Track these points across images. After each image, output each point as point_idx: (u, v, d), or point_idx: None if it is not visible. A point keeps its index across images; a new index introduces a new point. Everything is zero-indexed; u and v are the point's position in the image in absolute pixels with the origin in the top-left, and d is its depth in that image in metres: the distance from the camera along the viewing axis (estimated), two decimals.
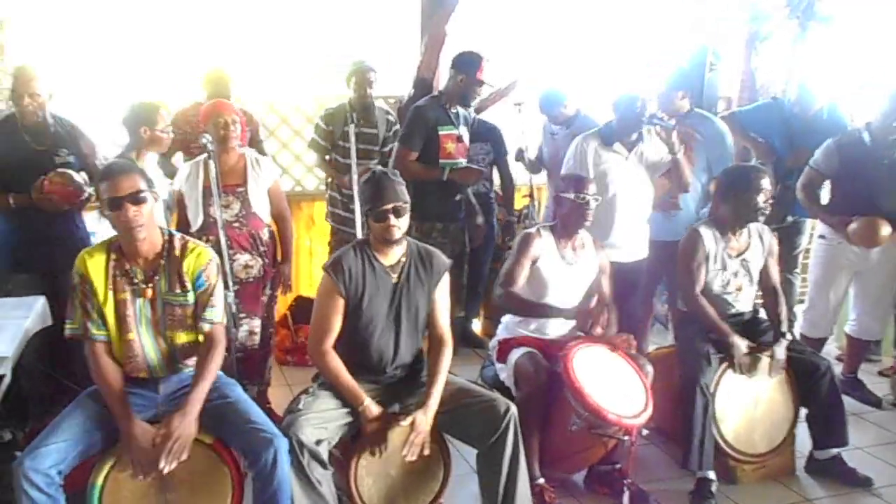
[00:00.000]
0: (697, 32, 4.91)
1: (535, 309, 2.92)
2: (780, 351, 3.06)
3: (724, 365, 3.03)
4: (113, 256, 2.31)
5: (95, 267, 2.29)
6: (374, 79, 3.89)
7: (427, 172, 3.64)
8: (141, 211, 2.21)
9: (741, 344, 3.02)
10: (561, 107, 4.14)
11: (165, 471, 2.19)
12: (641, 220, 3.52)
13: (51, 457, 2.09)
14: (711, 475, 2.94)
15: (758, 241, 3.23)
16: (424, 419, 2.44)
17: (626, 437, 2.69)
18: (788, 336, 3.14)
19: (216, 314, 2.39)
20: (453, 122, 3.70)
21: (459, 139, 3.72)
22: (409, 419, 2.42)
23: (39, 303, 2.84)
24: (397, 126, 4.02)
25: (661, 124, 3.31)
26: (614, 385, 2.74)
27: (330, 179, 4.12)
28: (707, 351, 3.01)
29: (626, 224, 3.43)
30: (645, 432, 3.17)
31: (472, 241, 4.00)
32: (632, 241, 3.47)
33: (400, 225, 2.48)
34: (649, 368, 2.92)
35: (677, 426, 3.01)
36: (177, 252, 2.35)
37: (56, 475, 2.10)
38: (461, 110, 3.77)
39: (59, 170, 3.04)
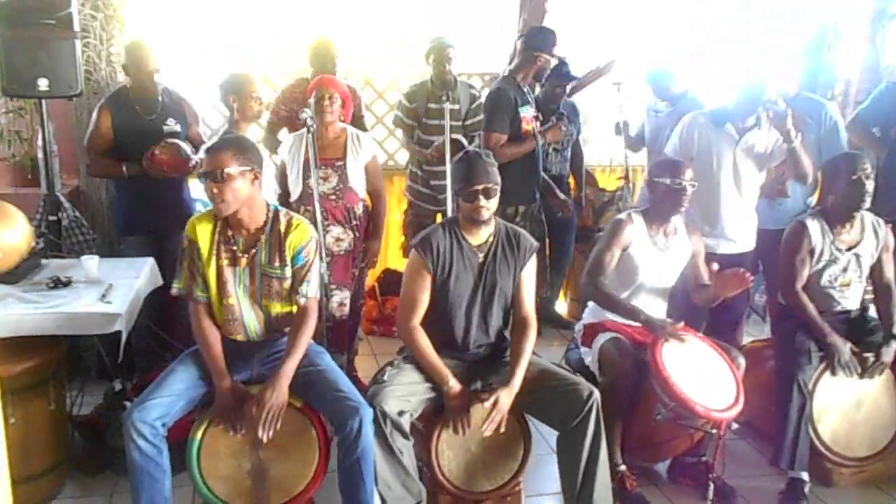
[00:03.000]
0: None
1: (621, 308, 2.81)
2: (889, 353, 2.85)
3: (826, 363, 2.86)
4: (220, 224, 2.41)
5: (203, 233, 2.40)
6: (453, 55, 3.83)
7: (520, 148, 3.58)
8: (222, 188, 2.27)
9: (842, 345, 2.83)
10: (670, 84, 3.97)
11: (264, 439, 2.28)
12: (749, 208, 3.31)
13: (156, 410, 2.23)
14: (804, 476, 2.80)
15: (871, 235, 2.99)
16: (507, 398, 2.43)
17: (713, 430, 2.60)
18: None
19: (311, 289, 2.45)
20: (529, 101, 3.64)
21: (536, 118, 3.66)
22: (491, 398, 2.42)
23: (149, 264, 3.02)
24: (481, 100, 3.94)
25: (773, 109, 3.11)
26: (704, 376, 2.63)
27: (412, 155, 4.13)
28: (807, 347, 2.84)
29: (732, 212, 3.25)
30: (734, 426, 3.06)
31: (562, 214, 3.94)
32: (739, 232, 3.28)
33: (489, 206, 2.46)
34: (742, 361, 2.78)
35: (770, 423, 2.87)
36: (281, 227, 2.42)
37: (161, 427, 2.23)
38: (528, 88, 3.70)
39: (168, 140, 3.18)
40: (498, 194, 2.50)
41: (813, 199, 3.30)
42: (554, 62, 3.69)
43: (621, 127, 4.19)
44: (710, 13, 5.04)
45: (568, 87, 3.90)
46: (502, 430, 2.46)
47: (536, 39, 3.60)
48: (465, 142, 3.72)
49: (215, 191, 2.29)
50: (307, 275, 2.44)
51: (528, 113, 3.62)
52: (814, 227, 2.95)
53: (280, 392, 2.31)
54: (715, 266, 2.76)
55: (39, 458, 2.62)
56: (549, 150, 3.96)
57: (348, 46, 3.93)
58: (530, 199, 3.78)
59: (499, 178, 2.50)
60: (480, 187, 2.43)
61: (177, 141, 3.20)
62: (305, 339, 2.41)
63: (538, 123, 3.69)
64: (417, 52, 4.12)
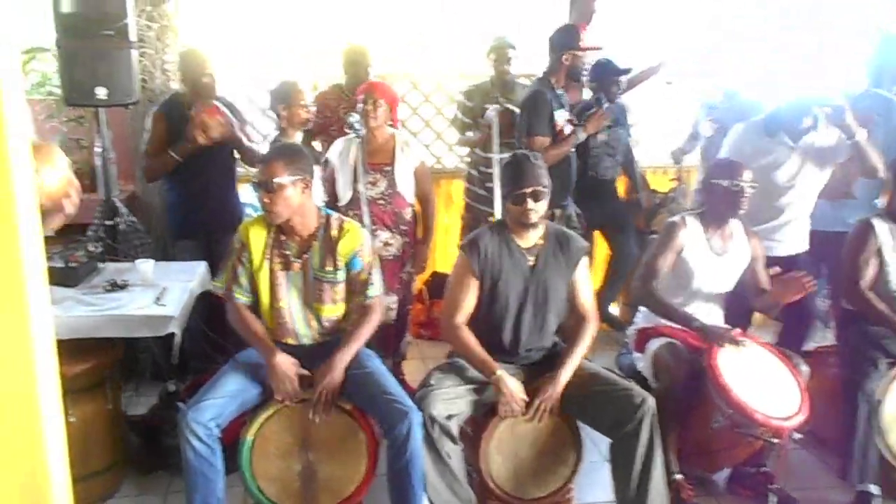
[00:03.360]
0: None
1: (675, 315, 2.72)
2: None
3: (895, 371, 2.72)
4: (273, 229, 2.43)
5: (256, 237, 2.43)
6: (513, 56, 3.76)
7: (563, 148, 3.47)
8: (272, 199, 2.29)
9: None
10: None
11: (316, 420, 2.31)
12: (805, 214, 3.18)
13: (210, 410, 2.25)
14: (874, 489, 2.64)
15: None
16: (550, 386, 2.39)
17: (774, 440, 2.48)
18: None
19: (375, 289, 2.49)
20: (564, 105, 3.56)
21: (569, 121, 3.56)
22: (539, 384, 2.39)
23: (202, 267, 3.07)
24: None
25: (831, 105, 2.96)
26: (764, 383, 2.52)
27: (470, 157, 4.08)
28: (874, 354, 2.70)
29: (789, 221, 3.13)
30: (797, 436, 2.92)
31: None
32: (793, 234, 3.16)
33: (537, 209, 2.42)
34: (805, 368, 2.66)
35: (834, 432, 2.74)
36: (333, 232, 2.43)
37: (214, 428, 2.25)
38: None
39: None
40: (547, 197, 2.45)
41: (880, 202, 3.15)
42: (586, 57, 3.55)
43: (679, 153, 4.09)
44: (727, 11, 4.86)
45: (624, 81, 3.73)
46: (555, 416, 2.41)
47: (560, 38, 3.49)
48: (517, 111, 3.63)
49: (267, 200, 2.31)
50: (370, 277, 2.46)
51: (561, 117, 3.53)
52: (881, 226, 2.81)
53: (335, 375, 2.33)
54: (775, 269, 2.65)
55: (97, 456, 2.67)
56: (600, 153, 3.86)
57: (391, 49, 3.90)
58: (560, 203, 3.67)
59: (548, 181, 2.45)
60: (529, 190, 2.39)
61: (214, 101, 3.20)
62: (366, 332, 2.45)
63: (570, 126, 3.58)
64: (436, 53, 4.04)
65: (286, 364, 2.36)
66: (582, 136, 3.51)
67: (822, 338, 3.70)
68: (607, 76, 3.74)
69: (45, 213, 1.65)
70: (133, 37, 3.04)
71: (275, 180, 2.29)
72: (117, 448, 2.78)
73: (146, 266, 2.83)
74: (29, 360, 0.98)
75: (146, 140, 3.27)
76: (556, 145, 3.49)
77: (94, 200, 3.32)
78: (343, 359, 2.37)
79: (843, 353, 2.85)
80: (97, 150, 3.25)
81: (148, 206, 3.69)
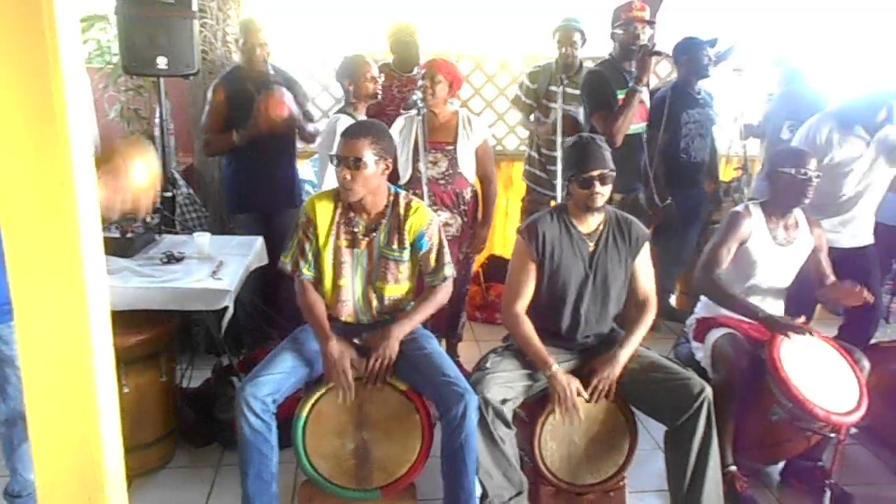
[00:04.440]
0: None
1: (737, 305, 2.58)
2: None
3: None
4: (340, 205, 2.33)
5: (323, 212, 2.33)
6: (579, 39, 3.57)
7: (626, 108, 3.20)
8: (354, 176, 2.19)
9: None
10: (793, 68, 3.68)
11: (376, 414, 2.23)
12: (873, 208, 3.03)
13: (267, 386, 2.17)
14: None
15: None
16: (609, 366, 2.30)
17: (832, 434, 2.37)
18: None
19: (449, 270, 2.39)
20: (628, 85, 3.36)
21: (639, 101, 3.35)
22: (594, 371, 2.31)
23: (258, 242, 2.97)
24: None
25: None
26: (824, 377, 2.40)
27: (530, 139, 3.91)
28: None
29: (857, 216, 2.99)
30: (854, 431, 2.80)
31: (656, 215, 3.62)
32: (857, 228, 3.02)
33: (604, 192, 2.30)
34: (865, 363, 2.53)
35: (892, 429, 2.62)
36: (401, 210, 2.34)
37: (271, 403, 2.18)
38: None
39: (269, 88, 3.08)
40: (612, 180, 2.32)
41: None
42: (641, 31, 3.31)
43: (751, 128, 3.87)
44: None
45: (712, 53, 3.48)
46: (611, 399, 2.33)
47: (613, 14, 3.32)
48: (581, 117, 3.47)
49: (348, 177, 2.21)
50: (441, 257, 2.37)
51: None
52: None
53: (390, 344, 2.25)
54: (831, 279, 2.51)
55: (151, 427, 2.62)
56: (692, 132, 3.64)
57: (457, 29, 3.74)
58: (629, 188, 3.53)
59: (612, 164, 2.32)
60: (596, 173, 2.28)
61: (278, 88, 3.11)
62: (429, 309, 2.37)
63: (641, 106, 3.37)
64: (538, 33, 3.84)
65: (340, 353, 2.26)
66: (640, 88, 3.21)
67: (884, 333, 3.55)
68: (695, 49, 3.53)
69: (124, 206, 1.57)
70: (194, 6, 2.93)
71: (361, 158, 2.19)
72: (170, 420, 2.72)
73: (203, 239, 2.75)
74: (84, 329, 0.96)
75: (206, 112, 3.18)
76: (618, 112, 3.25)
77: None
78: (401, 330, 2.29)
79: None
80: (156, 120, 3.16)
81: (206, 178, 3.60)
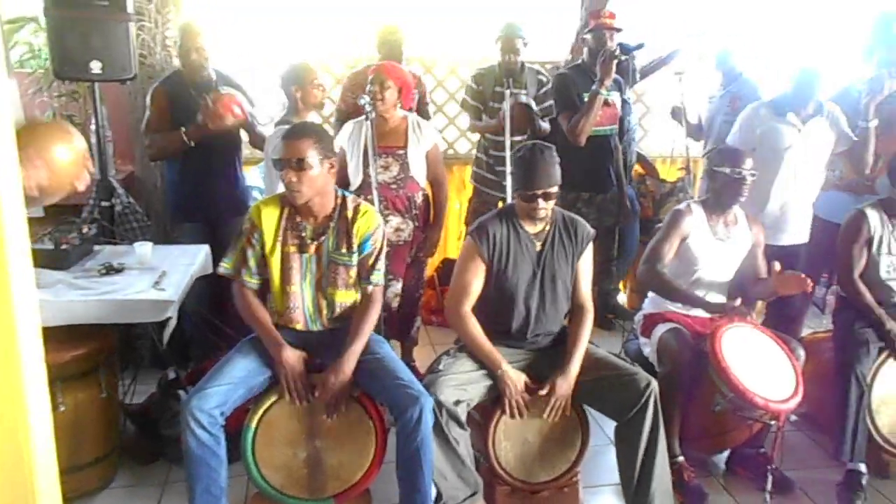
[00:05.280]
0: None
1: (678, 295, 2.63)
2: None
3: (885, 354, 2.65)
4: (286, 210, 2.24)
5: (269, 217, 2.23)
6: (521, 45, 3.54)
7: (589, 114, 3.26)
8: (300, 177, 2.12)
9: None
10: (732, 58, 3.74)
11: (329, 421, 2.17)
12: (809, 198, 3.09)
13: (214, 398, 2.06)
14: (862, 468, 2.59)
15: None
16: (564, 383, 2.28)
17: (772, 422, 2.40)
18: None
19: (379, 276, 2.31)
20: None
21: (606, 103, 3.38)
22: (546, 387, 2.27)
23: (203, 251, 2.83)
24: (549, 86, 3.66)
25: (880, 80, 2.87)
26: (763, 367, 2.43)
27: (479, 141, 3.87)
28: (866, 338, 2.63)
29: (794, 202, 3.04)
30: (793, 418, 2.86)
31: (624, 215, 3.68)
32: (795, 223, 3.07)
33: (547, 207, 2.30)
34: (801, 352, 2.58)
35: (829, 414, 2.66)
36: (349, 213, 2.26)
37: (219, 416, 2.06)
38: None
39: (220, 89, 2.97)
40: (556, 196, 2.32)
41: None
42: (609, 36, 3.37)
43: (679, 112, 3.87)
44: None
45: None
46: (568, 413, 2.32)
47: (584, 23, 3.37)
48: (533, 105, 3.44)
49: (294, 179, 2.12)
50: (376, 262, 2.29)
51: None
52: (873, 216, 2.73)
53: (344, 375, 2.17)
54: (776, 265, 2.56)
55: (90, 446, 2.45)
56: (631, 136, 3.68)
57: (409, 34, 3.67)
58: (599, 189, 3.55)
59: (558, 178, 2.31)
60: (540, 192, 2.27)
61: (229, 89, 2.99)
62: (370, 324, 2.27)
63: (608, 108, 3.41)
64: (483, 38, 3.82)
65: (294, 360, 2.18)
66: (602, 91, 3.26)
67: (819, 324, 3.65)
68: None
69: (48, 191, 1.45)
70: (130, 9, 2.77)
71: (305, 158, 2.11)
72: (112, 438, 2.55)
73: (144, 249, 2.60)
74: (12, 346, 0.88)
75: (147, 117, 3.02)
76: (580, 114, 3.30)
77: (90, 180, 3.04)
78: (352, 358, 2.20)
79: (837, 337, 2.78)
80: (92, 127, 2.97)
81: (148, 187, 3.42)
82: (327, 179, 2.20)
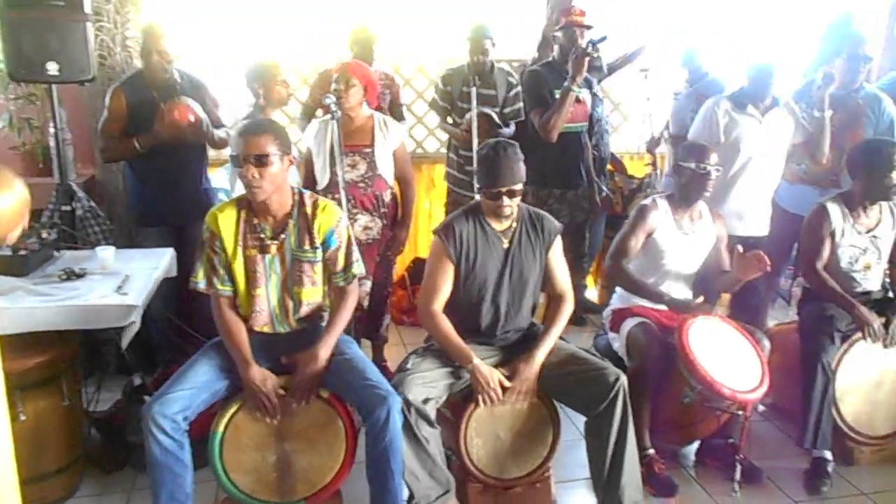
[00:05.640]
0: None
1: (645, 291, 2.63)
2: None
3: (847, 344, 2.68)
4: (243, 213, 2.19)
5: (226, 223, 2.17)
6: (489, 46, 3.51)
7: (560, 110, 3.26)
8: (261, 173, 2.06)
9: (869, 315, 2.65)
10: (699, 58, 3.77)
11: (297, 424, 2.13)
12: (769, 191, 3.12)
13: (177, 403, 2.01)
14: (828, 455, 2.62)
15: (889, 217, 2.80)
16: (526, 368, 2.27)
17: (740, 412, 2.41)
18: None
19: (360, 267, 2.29)
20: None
21: (577, 100, 3.37)
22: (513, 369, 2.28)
23: (168, 255, 2.76)
24: (518, 87, 3.63)
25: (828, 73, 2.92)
26: (730, 359, 2.45)
27: (449, 140, 3.84)
28: (831, 329, 2.65)
29: (754, 193, 3.06)
30: (760, 408, 2.88)
31: (594, 211, 3.68)
32: (756, 214, 3.10)
33: (512, 204, 2.28)
34: (766, 343, 2.61)
35: (795, 403, 2.68)
36: (308, 209, 2.21)
37: (182, 421, 2.01)
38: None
39: (177, 98, 2.90)
40: (521, 193, 2.31)
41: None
42: (579, 34, 3.38)
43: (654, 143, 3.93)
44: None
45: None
46: (534, 399, 2.31)
47: (555, 20, 3.37)
48: (495, 117, 3.44)
49: (256, 175, 2.06)
50: (350, 254, 2.26)
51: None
52: (834, 209, 2.76)
53: (318, 364, 2.14)
54: (739, 248, 2.57)
55: (53, 456, 2.37)
56: (601, 129, 3.68)
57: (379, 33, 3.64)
58: (569, 185, 3.53)
59: (523, 175, 2.30)
60: (504, 189, 2.25)
61: (185, 98, 2.92)
62: (347, 315, 2.26)
63: (579, 105, 3.41)
64: (450, 37, 3.81)
65: (262, 378, 2.13)
66: (574, 87, 3.26)
67: (785, 315, 3.69)
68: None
69: None
70: (87, 9, 2.68)
71: (265, 154, 2.06)
72: (76, 446, 2.48)
73: (106, 253, 2.53)
74: None
75: (104, 118, 2.93)
76: (551, 110, 3.30)
77: (49, 184, 2.94)
78: (327, 348, 2.17)
79: (802, 328, 2.80)
80: (51, 130, 2.88)
81: (110, 190, 3.32)
82: (285, 176, 2.16)
